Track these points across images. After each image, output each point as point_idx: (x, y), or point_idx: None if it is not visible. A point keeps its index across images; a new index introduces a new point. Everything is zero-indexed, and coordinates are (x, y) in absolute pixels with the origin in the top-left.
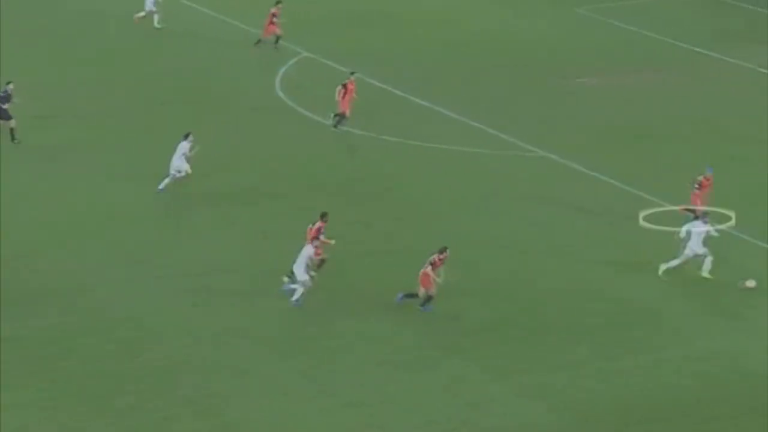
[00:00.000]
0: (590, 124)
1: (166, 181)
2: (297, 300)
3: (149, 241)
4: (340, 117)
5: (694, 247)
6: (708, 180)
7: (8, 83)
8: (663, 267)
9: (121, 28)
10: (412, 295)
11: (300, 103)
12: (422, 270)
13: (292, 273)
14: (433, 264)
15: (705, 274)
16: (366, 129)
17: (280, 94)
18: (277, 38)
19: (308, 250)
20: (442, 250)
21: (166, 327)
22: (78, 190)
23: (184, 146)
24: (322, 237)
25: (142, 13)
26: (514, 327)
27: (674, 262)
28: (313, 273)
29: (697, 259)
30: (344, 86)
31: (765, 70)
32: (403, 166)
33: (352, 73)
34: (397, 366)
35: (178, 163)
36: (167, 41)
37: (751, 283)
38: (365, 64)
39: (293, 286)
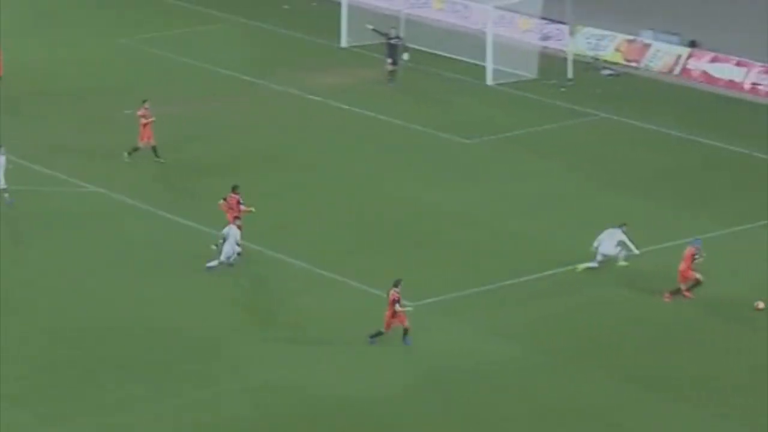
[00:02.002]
0: (140, 156)
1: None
2: (211, 266)
3: None
4: (149, 149)
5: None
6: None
7: None
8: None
9: None
10: (380, 333)
11: None
12: (387, 311)
13: (221, 243)
14: (395, 300)
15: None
16: None
17: None
18: None
19: (234, 231)
20: (396, 283)
21: None
22: None
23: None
24: (243, 207)
25: None
26: (68, 368)
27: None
28: (239, 249)
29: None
30: (140, 117)
31: (313, 97)
32: None
33: (144, 101)
34: None
35: None
36: None
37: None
38: None
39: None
